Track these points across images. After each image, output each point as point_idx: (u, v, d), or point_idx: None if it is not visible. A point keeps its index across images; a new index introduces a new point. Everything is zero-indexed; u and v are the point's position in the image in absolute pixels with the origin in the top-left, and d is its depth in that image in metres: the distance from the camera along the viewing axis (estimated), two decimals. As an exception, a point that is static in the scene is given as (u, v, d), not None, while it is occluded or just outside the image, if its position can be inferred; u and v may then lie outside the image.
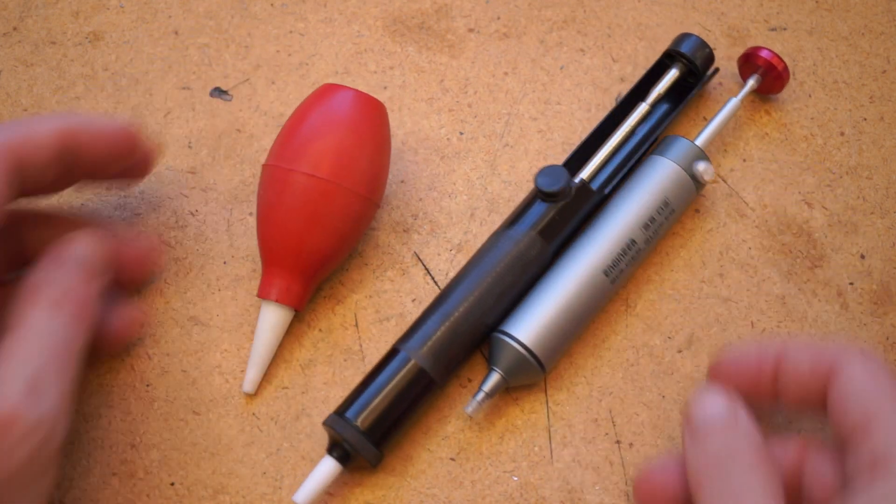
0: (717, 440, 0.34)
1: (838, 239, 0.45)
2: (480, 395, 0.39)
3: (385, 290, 0.43)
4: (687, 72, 0.46)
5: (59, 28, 0.50)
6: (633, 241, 0.41)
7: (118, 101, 0.48)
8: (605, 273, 0.41)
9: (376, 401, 0.38)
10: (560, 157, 0.46)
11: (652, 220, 0.42)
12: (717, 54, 0.49)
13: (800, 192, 0.46)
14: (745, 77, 0.47)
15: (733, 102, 0.45)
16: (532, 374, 0.40)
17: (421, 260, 0.44)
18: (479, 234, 0.45)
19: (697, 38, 0.46)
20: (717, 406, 0.34)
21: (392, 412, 0.38)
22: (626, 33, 0.50)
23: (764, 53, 0.46)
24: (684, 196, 0.43)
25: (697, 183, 0.43)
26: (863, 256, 0.44)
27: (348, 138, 0.40)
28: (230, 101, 0.48)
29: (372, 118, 0.41)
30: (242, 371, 0.41)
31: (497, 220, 0.45)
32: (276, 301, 0.41)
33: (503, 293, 0.41)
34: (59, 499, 0.39)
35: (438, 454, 0.40)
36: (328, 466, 0.38)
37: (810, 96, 0.48)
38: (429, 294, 0.43)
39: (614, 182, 0.44)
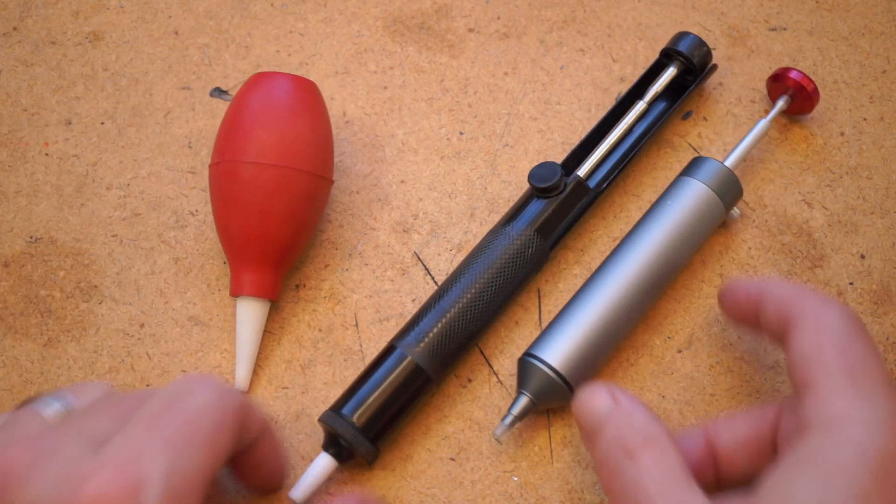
0: (608, 433, 0.34)
1: (838, 239, 0.45)
2: (509, 419, 0.39)
3: (385, 290, 0.43)
4: (685, 70, 0.46)
5: (59, 28, 0.50)
6: (664, 263, 0.41)
7: (118, 101, 0.48)
8: (636, 295, 0.40)
9: (372, 397, 0.38)
10: (560, 157, 0.46)
11: (682, 241, 0.42)
12: (717, 54, 0.49)
13: (800, 192, 0.46)
14: (773, 98, 0.47)
15: (762, 124, 0.45)
16: (561, 396, 0.39)
17: (421, 260, 0.44)
18: (479, 234, 0.45)
19: (695, 36, 0.46)
20: (599, 401, 0.35)
21: (388, 409, 0.38)
22: (626, 33, 0.50)
23: (794, 75, 0.45)
24: (713, 218, 0.43)
25: (725, 206, 0.43)
26: (863, 256, 0.44)
27: (286, 121, 0.41)
28: (230, 101, 0.48)
29: (306, 98, 0.42)
30: (242, 371, 0.41)
31: (497, 220, 0.45)
32: (250, 295, 0.41)
33: (500, 290, 0.41)
34: (59, 499, 0.39)
35: (438, 454, 0.40)
36: (324, 463, 0.38)
37: (810, 96, 0.48)
38: (429, 294, 0.43)
39: (611, 179, 0.44)
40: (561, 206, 0.42)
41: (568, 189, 0.42)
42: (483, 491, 0.39)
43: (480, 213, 0.45)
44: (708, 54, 0.46)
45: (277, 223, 0.40)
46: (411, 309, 0.43)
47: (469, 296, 0.40)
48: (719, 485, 0.36)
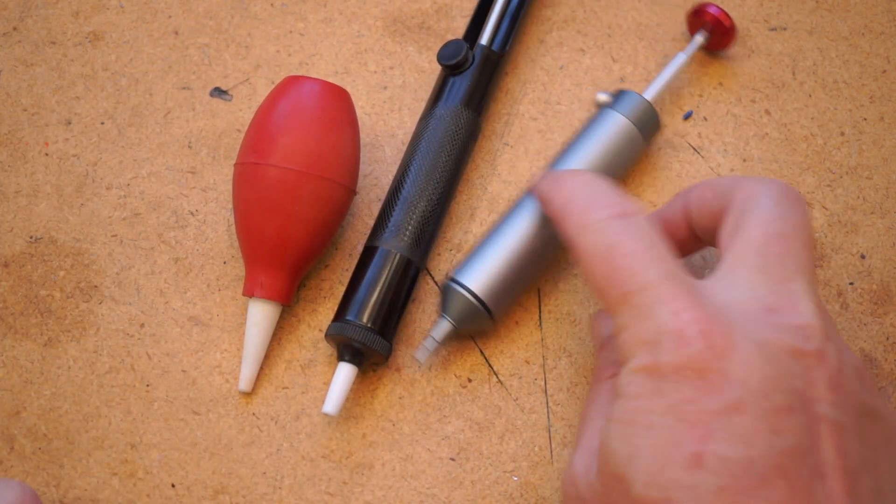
0: (577, 203, 0.35)
1: (838, 239, 0.45)
2: (429, 342, 0.40)
3: (385, 290, 0.43)
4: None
5: (59, 28, 0.50)
6: None
7: (118, 101, 0.48)
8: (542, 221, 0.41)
9: (372, 298, 0.40)
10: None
11: (603, 169, 0.42)
12: (717, 55, 0.49)
13: (800, 192, 0.46)
14: (692, 32, 0.48)
15: (681, 57, 0.46)
16: (481, 321, 0.40)
17: (421, 260, 0.44)
18: (479, 234, 0.45)
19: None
20: (565, 177, 0.37)
21: (389, 303, 0.40)
22: (626, 33, 0.50)
23: (711, 10, 0.47)
24: (633, 148, 0.44)
25: (644, 137, 0.44)
26: (863, 256, 0.44)
27: (316, 128, 0.41)
28: (230, 101, 0.48)
29: (338, 106, 0.42)
30: (242, 371, 0.41)
31: (497, 219, 0.45)
32: (262, 297, 0.41)
33: (449, 168, 0.43)
34: (59, 499, 0.39)
35: (438, 454, 0.40)
36: (346, 370, 0.39)
37: (810, 96, 0.48)
38: (429, 294, 0.43)
39: (511, 38, 0.47)
40: (476, 77, 0.45)
41: (477, 60, 0.45)
42: (483, 491, 0.39)
43: (480, 214, 0.45)
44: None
45: (299, 229, 0.40)
46: (411, 309, 0.43)
47: (426, 180, 0.42)
48: (694, 241, 0.39)
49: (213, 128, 0.47)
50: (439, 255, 0.44)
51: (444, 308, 0.40)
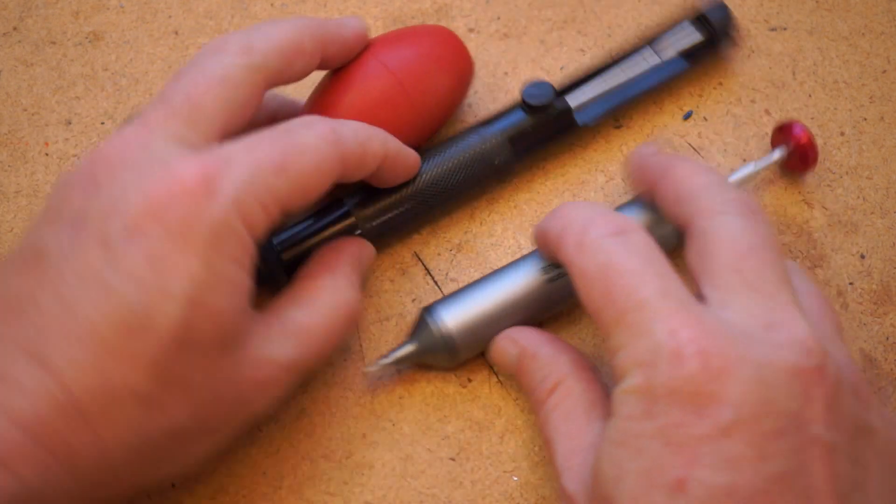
0: (523, 383, 0.38)
1: (838, 239, 0.45)
2: (386, 360, 0.40)
3: (385, 290, 0.43)
4: (709, 39, 0.47)
5: (59, 28, 0.50)
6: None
7: (118, 101, 0.48)
8: (544, 270, 0.40)
9: (298, 227, 0.41)
10: (559, 158, 0.46)
11: None
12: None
13: (800, 192, 0.46)
14: (773, 146, 0.45)
15: (748, 168, 0.43)
16: (442, 359, 0.40)
17: (421, 260, 0.44)
18: (479, 234, 0.45)
19: (725, 8, 0.46)
20: (506, 350, 0.39)
21: (304, 237, 0.41)
22: (626, 33, 0.50)
23: (797, 130, 0.44)
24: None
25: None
26: (863, 256, 0.44)
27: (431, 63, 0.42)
28: (230, 101, 0.48)
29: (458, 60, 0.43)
30: (242, 371, 0.41)
31: (497, 220, 0.45)
32: None
33: (461, 182, 0.43)
34: (59, 499, 0.39)
35: (438, 454, 0.40)
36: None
37: (810, 96, 0.48)
38: (429, 294, 0.43)
39: (597, 117, 0.45)
40: (539, 125, 0.44)
41: (554, 113, 0.44)
42: (483, 491, 0.39)
43: (480, 214, 0.45)
44: (730, 25, 0.47)
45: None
46: (411, 309, 0.43)
47: (428, 177, 0.42)
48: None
49: (213, 128, 0.47)
50: (439, 255, 0.44)
51: (414, 333, 0.40)
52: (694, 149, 0.47)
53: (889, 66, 0.49)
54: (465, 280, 0.43)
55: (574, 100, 0.45)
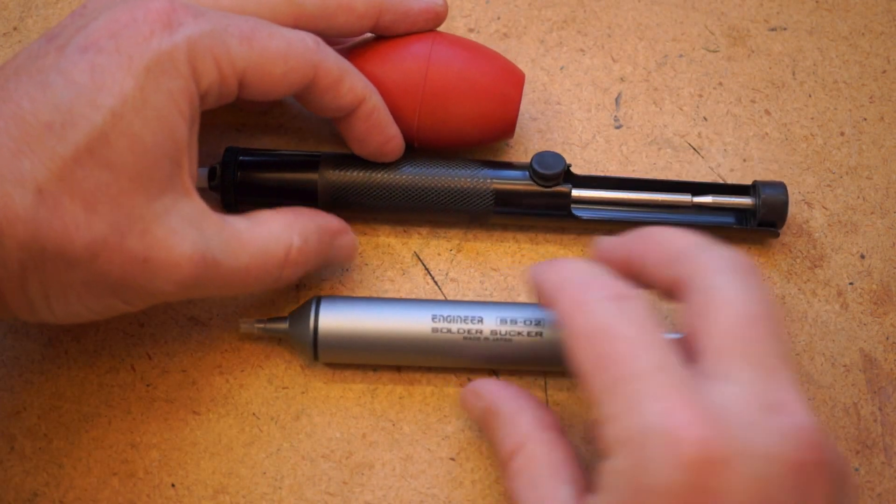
0: (490, 440, 0.37)
1: (838, 239, 0.45)
2: (259, 325, 0.40)
3: (385, 290, 0.43)
4: (752, 211, 0.43)
5: (59, 28, 0.50)
6: (479, 319, 0.39)
7: (118, 101, 0.48)
8: (433, 318, 0.39)
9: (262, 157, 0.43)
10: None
11: (514, 321, 0.39)
12: (717, 55, 0.49)
13: (800, 192, 0.46)
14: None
15: None
16: (306, 352, 0.40)
17: (421, 260, 0.44)
18: (479, 234, 0.45)
19: (784, 193, 0.43)
20: (472, 404, 0.38)
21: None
22: (626, 33, 0.50)
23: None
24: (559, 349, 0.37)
25: None
26: (863, 256, 0.44)
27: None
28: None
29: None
30: (243, 370, 0.41)
31: (497, 220, 0.45)
32: None
33: (434, 204, 0.42)
34: (59, 499, 0.39)
35: (438, 454, 0.40)
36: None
37: (810, 96, 0.48)
38: (429, 294, 0.43)
39: (591, 218, 0.43)
40: (533, 193, 0.42)
41: (553, 189, 0.42)
42: (483, 491, 0.39)
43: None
44: (781, 210, 0.42)
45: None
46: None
47: (404, 179, 0.42)
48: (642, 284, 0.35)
49: (213, 127, 0.47)
50: (439, 255, 0.44)
51: (297, 313, 0.40)
52: (694, 149, 0.47)
53: (889, 66, 0.49)
54: (465, 280, 0.43)
55: (583, 191, 0.43)
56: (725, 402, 0.29)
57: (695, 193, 0.43)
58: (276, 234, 0.37)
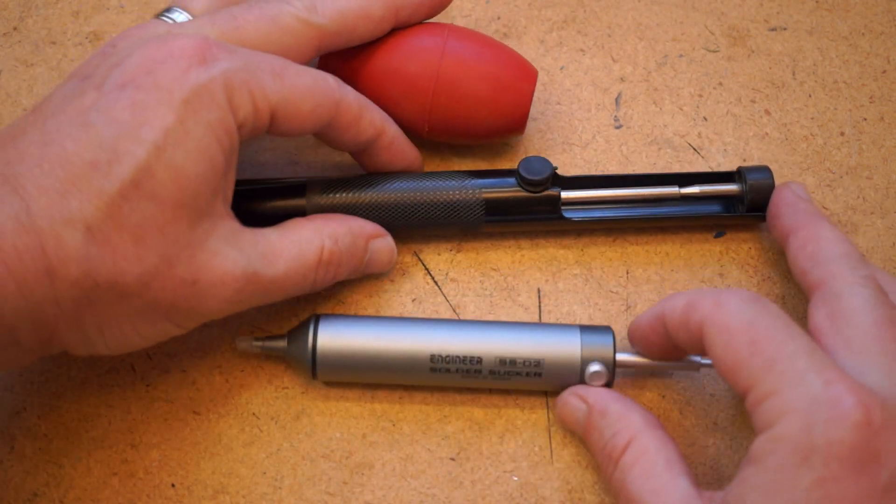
0: (591, 441, 0.38)
1: (838, 239, 0.45)
2: (256, 343, 0.40)
3: (385, 290, 0.43)
4: (739, 197, 0.43)
5: (59, 28, 0.50)
6: (478, 360, 0.39)
7: (118, 101, 0.48)
8: (431, 359, 0.39)
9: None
10: (560, 158, 0.46)
11: (512, 362, 0.39)
12: (717, 55, 0.49)
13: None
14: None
15: (692, 360, 0.39)
16: (304, 371, 0.40)
17: (421, 260, 0.44)
18: (479, 234, 0.45)
19: (770, 177, 0.43)
20: (573, 408, 0.39)
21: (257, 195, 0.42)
22: (626, 33, 0.50)
23: None
24: (561, 375, 0.39)
25: (582, 381, 0.39)
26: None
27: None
28: (230, 101, 0.48)
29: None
30: (243, 370, 0.41)
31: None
32: None
33: (423, 218, 0.42)
34: (59, 499, 0.39)
35: (438, 454, 0.40)
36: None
37: (810, 96, 0.48)
38: (429, 294, 0.43)
39: (588, 220, 0.43)
40: (523, 200, 0.42)
41: (541, 194, 0.42)
42: (483, 491, 0.39)
43: (480, 213, 0.45)
44: (766, 191, 0.42)
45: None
46: (411, 309, 0.43)
47: (390, 196, 0.42)
48: (673, 350, 0.38)
49: (213, 128, 0.47)
50: (439, 255, 0.44)
51: (296, 331, 0.40)
52: (694, 149, 0.47)
53: (889, 66, 0.49)
54: (465, 280, 0.43)
55: (571, 193, 0.43)
56: (870, 382, 0.31)
57: (681, 185, 0.43)
58: (308, 238, 0.38)
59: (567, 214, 0.43)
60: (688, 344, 0.36)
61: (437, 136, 0.43)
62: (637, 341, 0.39)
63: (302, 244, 0.38)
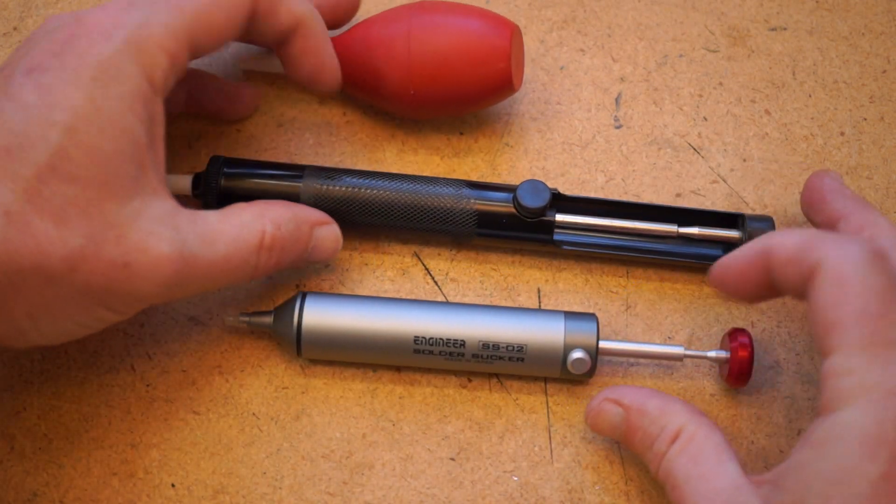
0: (635, 441, 0.37)
1: (838, 239, 0.45)
2: (244, 319, 0.40)
3: (385, 290, 0.43)
4: (738, 244, 0.42)
5: (59, 28, 0.50)
6: (462, 343, 0.39)
7: (118, 101, 0.48)
8: (415, 340, 0.39)
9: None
10: (559, 158, 0.46)
11: (496, 346, 0.39)
12: (717, 55, 0.49)
13: (800, 192, 0.46)
14: (721, 346, 0.41)
15: (675, 350, 0.40)
16: (289, 348, 0.40)
17: (421, 260, 0.44)
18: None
19: (771, 227, 0.42)
20: (609, 414, 0.38)
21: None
22: (626, 33, 0.50)
23: (744, 341, 0.39)
24: (544, 361, 0.39)
25: (564, 367, 0.39)
26: (863, 256, 0.44)
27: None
28: (230, 101, 0.48)
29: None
30: (243, 370, 0.41)
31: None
32: None
33: (416, 222, 0.42)
34: (59, 499, 0.39)
35: (438, 454, 0.40)
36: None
37: (810, 96, 0.48)
38: (429, 294, 0.43)
39: (580, 246, 0.43)
40: (516, 220, 0.42)
41: (536, 219, 0.42)
42: (483, 491, 0.39)
43: (480, 213, 0.45)
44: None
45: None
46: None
47: (384, 196, 0.42)
48: (778, 291, 0.35)
49: (213, 128, 0.47)
50: (439, 255, 0.44)
51: (283, 308, 0.40)
52: (694, 149, 0.47)
53: (889, 66, 0.49)
54: (465, 280, 0.43)
55: (567, 217, 0.42)
56: None
57: (681, 223, 0.43)
58: (248, 222, 0.37)
59: (560, 237, 0.43)
60: (790, 283, 0.34)
61: (428, 114, 0.44)
62: (728, 278, 0.36)
63: (243, 227, 0.37)
